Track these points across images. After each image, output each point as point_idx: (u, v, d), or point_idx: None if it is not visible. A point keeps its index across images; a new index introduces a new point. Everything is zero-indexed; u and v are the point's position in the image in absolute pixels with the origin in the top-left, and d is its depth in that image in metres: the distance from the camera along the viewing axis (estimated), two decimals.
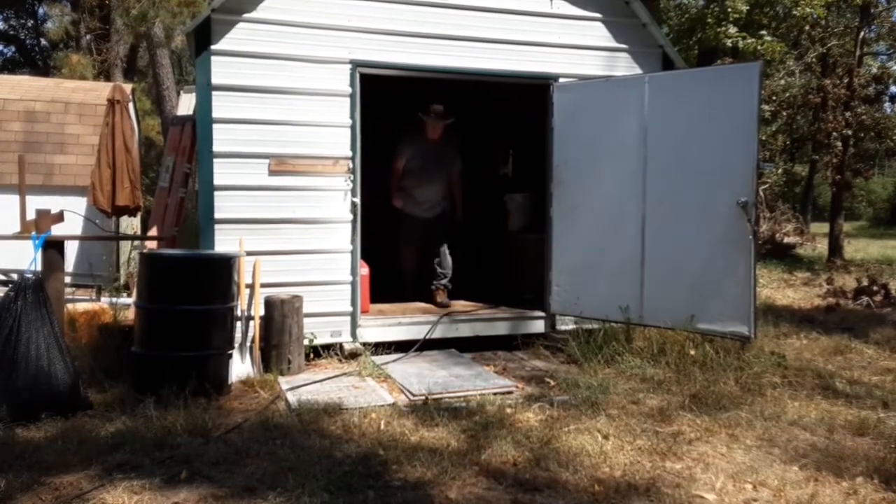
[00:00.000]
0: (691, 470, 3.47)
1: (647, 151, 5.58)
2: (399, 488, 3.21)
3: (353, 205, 5.64)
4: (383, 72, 5.71)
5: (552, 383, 4.92)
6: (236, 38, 5.29)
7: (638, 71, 6.17)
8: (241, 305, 5.22)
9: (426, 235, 6.67)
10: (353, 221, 5.66)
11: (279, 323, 5.16)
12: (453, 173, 6.70)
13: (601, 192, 5.82)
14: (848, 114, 12.91)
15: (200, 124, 5.35)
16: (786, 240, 14.46)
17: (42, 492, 3.15)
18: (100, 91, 9.33)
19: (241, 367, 5.08)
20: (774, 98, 13.42)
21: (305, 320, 5.31)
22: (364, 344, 5.63)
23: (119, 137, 5.97)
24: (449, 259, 6.69)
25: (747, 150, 5.11)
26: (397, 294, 6.67)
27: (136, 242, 8.37)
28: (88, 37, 16.66)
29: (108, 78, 15.49)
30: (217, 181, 5.29)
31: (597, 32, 6.18)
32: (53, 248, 4.80)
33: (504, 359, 5.77)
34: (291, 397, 4.51)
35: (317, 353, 5.57)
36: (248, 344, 5.25)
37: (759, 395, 4.62)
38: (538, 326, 6.18)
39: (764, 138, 13.91)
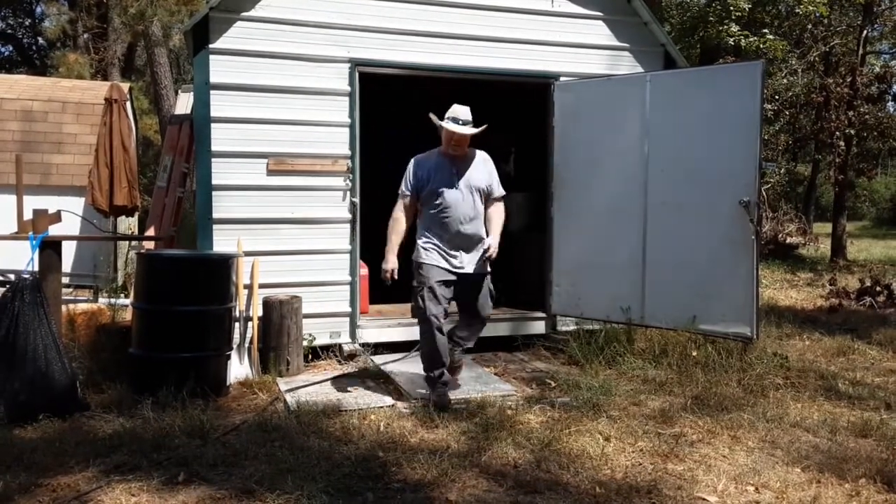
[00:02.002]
0: (693, 472, 3.44)
1: (649, 151, 5.55)
2: (399, 490, 3.19)
3: (353, 204, 5.62)
4: (383, 70, 5.69)
5: (553, 385, 4.89)
6: (234, 36, 5.28)
7: (639, 70, 6.14)
8: (239, 306, 5.20)
9: (457, 297, 4.58)
10: (353, 221, 5.64)
11: (278, 324, 5.13)
12: (490, 200, 4.60)
13: (602, 191, 5.79)
14: (851, 113, 12.88)
15: (198, 123, 5.33)
16: (788, 240, 14.44)
17: (40, 493, 3.13)
18: (97, 90, 9.32)
19: (239, 368, 5.06)
20: (777, 97, 13.41)
21: (304, 321, 5.29)
22: (363, 345, 5.61)
23: (117, 137, 5.94)
24: (477, 327, 4.74)
25: (749, 150, 5.08)
26: (397, 295, 6.62)
27: (134, 243, 8.35)
28: (86, 35, 16.69)
29: (105, 77, 15.51)
30: (215, 181, 5.27)
31: (598, 31, 6.15)
32: (51, 249, 4.78)
33: (504, 360, 5.75)
34: (290, 398, 4.49)
35: (316, 354, 5.55)
36: (247, 345, 5.23)
37: (762, 396, 4.59)
38: (539, 327, 6.16)
39: (766, 138, 13.87)
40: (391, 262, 4.46)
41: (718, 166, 5.22)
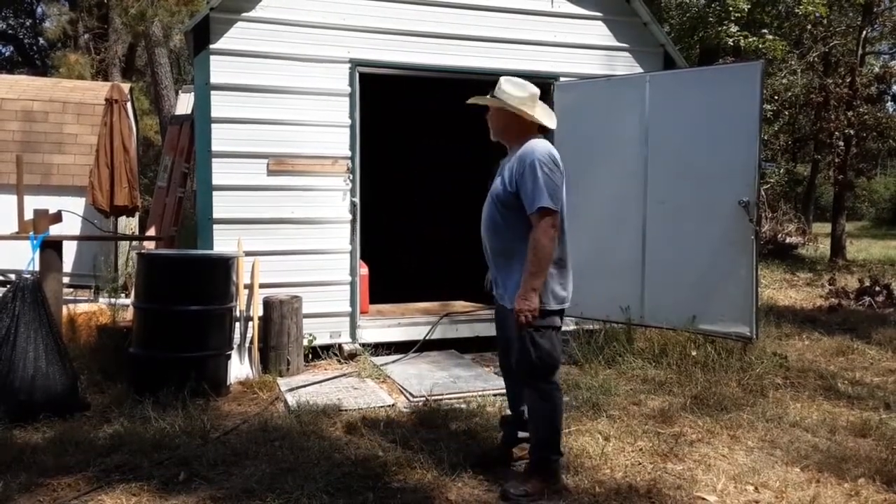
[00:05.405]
0: (692, 471, 3.45)
1: (649, 151, 5.56)
2: (399, 490, 3.20)
3: (353, 205, 5.63)
4: (382, 71, 5.70)
5: None
6: (235, 37, 5.28)
7: (639, 70, 6.15)
8: (239, 306, 5.20)
9: (500, 328, 3.50)
10: (353, 221, 5.65)
11: (278, 324, 5.14)
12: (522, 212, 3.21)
13: (602, 191, 5.80)
14: (850, 113, 12.89)
15: (199, 124, 5.33)
16: (788, 240, 14.43)
17: (40, 493, 3.14)
18: (98, 90, 9.33)
19: (239, 368, 5.06)
20: (776, 97, 13.42)
21: (304, 321, 5.29)
22: (363, 345, 5.62)
23: (117, 137, 5.97)
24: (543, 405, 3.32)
25: (749, 150, 5.09)
26: (397, 294, 6.65)
27: (135, 242, 8.36)
28: (87, 36, 16.73)
29: (106, 77, 15.53)
30: (215, 181, 5.28)
31: (598, 31, 6.16)
32: (51, 249, 4.79)
33: None
34: (290, 398, 4.50)
35: (316, 353, 5.56)
36: (247, 345, 5.23)
37: (761, 396, 4.60)
38: None
39: (766, 138, 13.89)
40: None
41: (718, 166, 5.23)
